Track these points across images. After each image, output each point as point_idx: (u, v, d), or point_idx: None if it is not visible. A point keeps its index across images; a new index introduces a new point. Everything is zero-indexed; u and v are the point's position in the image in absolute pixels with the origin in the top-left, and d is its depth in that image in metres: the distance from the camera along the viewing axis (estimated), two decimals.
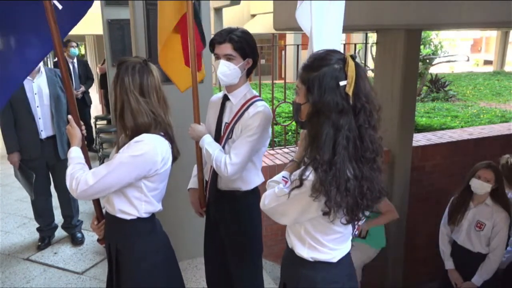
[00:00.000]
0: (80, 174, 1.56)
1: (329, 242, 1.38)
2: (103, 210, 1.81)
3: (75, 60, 5.66)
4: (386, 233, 3.40)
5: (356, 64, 1.24)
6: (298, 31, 3.80)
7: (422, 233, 4.22)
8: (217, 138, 1.93)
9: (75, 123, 1.75)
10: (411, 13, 3.02)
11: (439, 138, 4.33)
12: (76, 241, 3.41)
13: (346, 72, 1.23)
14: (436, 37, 9.79)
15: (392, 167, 3.82)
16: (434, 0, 2.97)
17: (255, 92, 1.94)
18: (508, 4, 2.92)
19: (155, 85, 1.63)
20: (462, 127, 5.41)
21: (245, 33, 1.84)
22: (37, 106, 3.10)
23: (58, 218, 3.50)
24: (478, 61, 21.15)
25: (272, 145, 3.90)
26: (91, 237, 3.48)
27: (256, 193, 1.97)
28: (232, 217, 1.97)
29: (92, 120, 6.47)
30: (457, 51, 17.09)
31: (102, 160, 5.10)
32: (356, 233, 1.51)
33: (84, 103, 5.84)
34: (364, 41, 4.45)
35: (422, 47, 8.62)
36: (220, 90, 2.91)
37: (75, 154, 1.68)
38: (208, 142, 1.87)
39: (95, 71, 7.72)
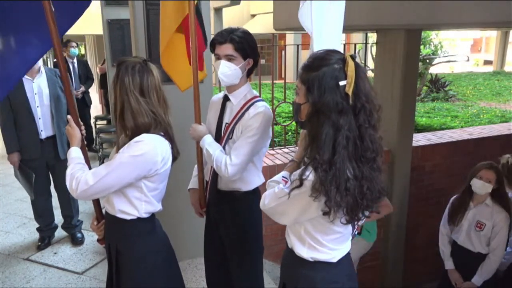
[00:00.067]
0: (80, 174, 1.56)
1: (329, 242, 1.38)
2: (103, 210, 1.81)
3: (75, 60, 5.66)
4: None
5: (356, 64, 1.24)
6: (298, 31, 3.80)
7: (422, 233, 4.22)
8: (218, 138, 1.92)
9: (75, 123, 1.75)
10: (411, 13, 3.02)
11: (439, 138, 4.33)
12: (76, 241, 3.41)
13: (345, 72, 1.23)
14: (436, 37, 9.80)
15: (392, 167, 3.82)
16: (434, 0, 2.97)
17: (256, 93, 1.94)
18: (508, 4, 2.92)
19: (155, 85, 1.62)
20: (462, 127, 5.41)
21: (246, 33, 1.83)
22: (37, 106, 3.10)
23: (58, 218, 3.50)
24: (478, 61, 21.15)
25: (272, 145, 3.90)
26: (91, 237, 3.48)
27: (256, 193, 1.96)
28: (232, 218, 1.97)
29: (92, 120, 6.47)
30: (457, 51, 17.10)
31: (102, 160, 5.10)
32: (356, 233, 1.51)
33: (84, 103, 5.84)
34: (364, 41, 4.45)
35: (422, 47, 8.62)
36: (220, 90, 2.91)
37: (75, 154, 1.68)
38: (208, 143, 1.86)
39: (95, 71, 7.72)
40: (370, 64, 7.12)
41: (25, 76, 3.04)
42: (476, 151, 4.23)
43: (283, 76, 8.72)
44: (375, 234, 3.36)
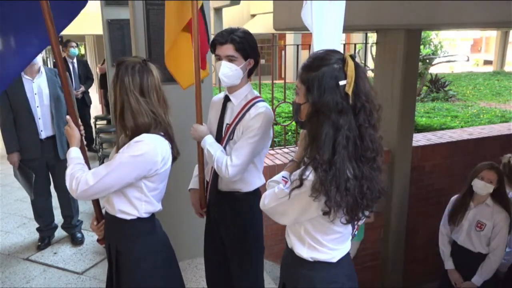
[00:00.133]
0: (80, 175, 1.56)
1: (328, 242, 1.38)
2: (103, 210, 1.80)
3: (75, 60, 5.67)
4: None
5: (356, 64, 1.24)
6: (298, 31, 3.80)
7: (422, 233, 4.22)
8: (218, 139, 1.92)
9: (74, 124, 1.75)
10: (411, 13, 3.02)
11: (439, 138, 4.33)
12: (76, 241, 3.41)
13: (345, 72, 1.23)
14: (436, 37, 9.79)
15: (392, 167, 3.82)
16: (434, 0, 2.97)
17: (256, 93, 1.93)
18: (508, 4, 2.92)
19: (155, 85, 1.62)
20: (462, 127, 5.40)
21: (247, 33, 1.83)
22: (37, 106, 3.10)
23: (58, 218, 3.50)
24: (478, 61, 21.15)
25: (272, 145, 3.90)
26: (91, 237, 3.48)
27: (257, 194, 1.95)
28: (232, 218, 1.97)
29: (92, 120, 6.46)
30: (457, 51, 17.10)
31: (102, 160, 5.10)
32: (356, 233, 1.50)
33: (84, 103, 5.84)
34: (364, 41, 4.45)
35: (422, 47, 8.62)
36: (220, 90, 2.91)
37: (75, 154, 1.68)
38: (209, 143, 1.86)
39: (95, 71, 7.71)
40: (370, 64, 7.12)
41: (25, 76, 3.05)
42: (476, 151, 4.23)
43: (283, 76, 8.73)
44: (362, 233, 3.38)
